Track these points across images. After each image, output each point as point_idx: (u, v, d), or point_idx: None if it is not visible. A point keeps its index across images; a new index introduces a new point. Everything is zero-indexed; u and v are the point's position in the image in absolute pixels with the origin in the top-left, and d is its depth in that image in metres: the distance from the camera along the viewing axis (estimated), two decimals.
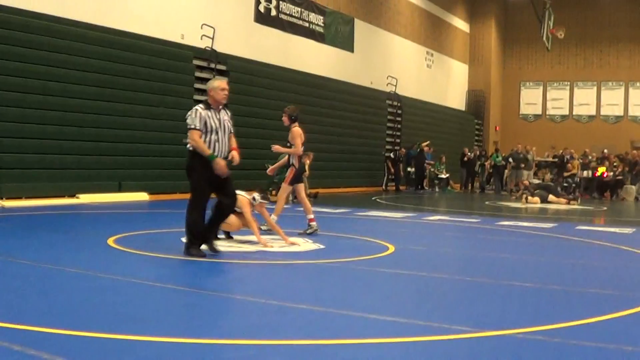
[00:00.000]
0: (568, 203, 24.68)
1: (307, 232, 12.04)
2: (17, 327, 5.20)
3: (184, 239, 10.48)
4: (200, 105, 9.25)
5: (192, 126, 9.02)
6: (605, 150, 33.93)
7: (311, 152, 21.99)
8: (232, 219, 10.58)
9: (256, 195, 10.87)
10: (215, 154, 9.09)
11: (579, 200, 25.05)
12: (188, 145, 9.19)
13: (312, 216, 12.22)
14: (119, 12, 19.49)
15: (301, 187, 12.58)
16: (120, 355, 4.66)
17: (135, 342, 5.02)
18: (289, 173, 12.23)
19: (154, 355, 4.74)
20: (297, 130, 12.17)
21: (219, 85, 9.36)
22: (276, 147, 12.38)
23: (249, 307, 6.46)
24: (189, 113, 9.19)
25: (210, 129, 9.09)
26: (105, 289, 6.90)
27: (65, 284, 7.17)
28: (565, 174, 31.29)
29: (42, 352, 4.59)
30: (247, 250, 9.95)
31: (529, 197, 24.69)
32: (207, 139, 9.05)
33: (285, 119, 12.34)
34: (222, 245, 10.23)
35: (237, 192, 10.37)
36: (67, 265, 8.16)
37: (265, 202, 11.01)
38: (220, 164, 9.08)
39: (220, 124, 9.20)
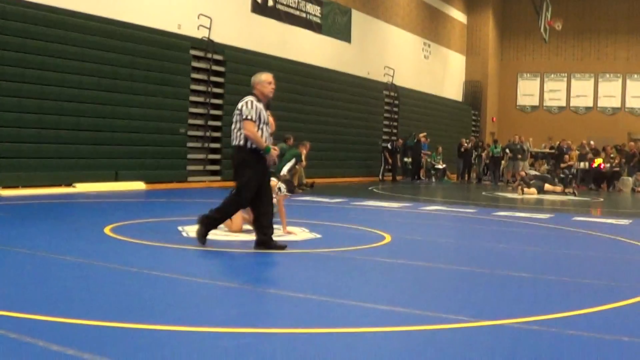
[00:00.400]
0: (564, 191, 24.72)
1: None
2: (13, 315, 5.20)
3: (180, 228, 10.51)
4: (252, 97, 9.12)
5: (249, 117, 8.89)
6: (592, 142, 33.72)
7: (308, 142, 22.01)
8: (235, 218, 10.54)
9: (282, 186, 10.81)
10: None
11: (574, 191, 25.06)
12: (238, 141, 8.97)
13: None
14: (116, 2, 19.44)
15: None
16: (117, 343, 4.66)
17: (133, 330, 5.01)
18: None
19: (150, 342, 4.74)
20: None
21: (266, 79, 9.28)
22: None
23: (245, 295, 6.46)
24: (242, 104, 9.04)
25: (262, 121, 9.04)
26: (102, 278, 6.90)
27: (61, 272, 7.16)
28: (562, 165, 31.28)
29: (38, 340, 4.59)
30: (244, 239, 9.94)
31: (525, 188, 24.71)
32: (258, 132, 8.95)
33: None
34: (219, 234, 10.23)
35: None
36: (64, 253, 8.16)
37: (289, 195, 10.97)
38: (273, 154, 9.10)
39: (266, 118, 9.18)
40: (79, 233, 10.25)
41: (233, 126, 9.07)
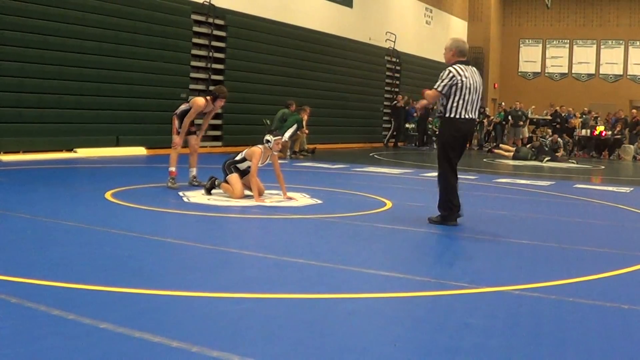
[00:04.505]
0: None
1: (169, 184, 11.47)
2: (14, 280, 5.21)
3: (181, 193, 10.51)
4: None
5: None
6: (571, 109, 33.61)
7: (308, 107, 21.94)
8: (236, 184, 10.53)
9: (268, 137, 10.71)
10: None
11: (553, 157, 25.00)
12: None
13: (173, 169, 11.54)
14: None
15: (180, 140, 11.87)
16: (118, 308, 4.67)
17: (133, 295, 5.02)
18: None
19: (151, 308, 4.75)
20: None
21: None
22: None
23: (246, 260, 6.47)
24: None
25: None
26: (103, 243, 6.90)
27: (62, 237, 7.17)
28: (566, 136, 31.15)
29: (40, 305, 4.60)
30: (245, 205, 9.95)
31: (497, 149, 25.64)
32: None
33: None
34: (219, 199, 10.24)
35: (256, 146, 10.49)
36: (65, 218, 8.16)
37: (280, 137, 10.87)
38: None
39: None
40: (80, 198, 10.26)
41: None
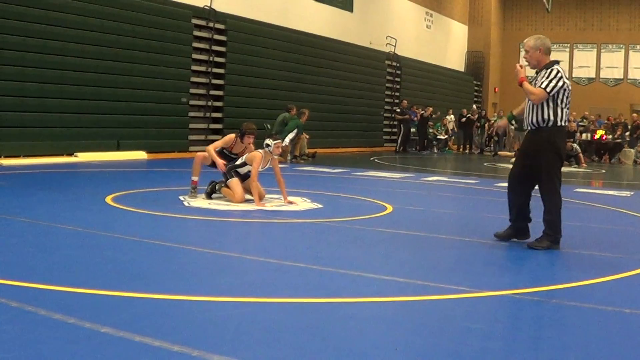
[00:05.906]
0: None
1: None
2: (14, 284, 5.21)
3: (181, 197, 10.51)
4: None
5: None
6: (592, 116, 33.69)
7: (307, 109, 21.94)
8: (237, 188, 10.53)
9: (268, 140, 10.70)
10: None
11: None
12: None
13: (195, 178, 11.13)
14: None
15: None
16: (118, 312, 4.66)
17: (134, 299, 5.02)
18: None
19: (151, 312, 4.74)
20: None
21: None
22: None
23: (247, 265, 6.46)
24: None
25: None
26: (104, 247, 6.90)
27: (63, 241, 7.16)
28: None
29: (40, 309, 4.59)
30: (246, 209, 9.94)
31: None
32: None
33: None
34: (220, 204, 10.24)
35: (256, 150, 10.45)
36: (66, 223, 8.16)
37: (280, 141, 10.86)
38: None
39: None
40: (81, 202, 10.25)
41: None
